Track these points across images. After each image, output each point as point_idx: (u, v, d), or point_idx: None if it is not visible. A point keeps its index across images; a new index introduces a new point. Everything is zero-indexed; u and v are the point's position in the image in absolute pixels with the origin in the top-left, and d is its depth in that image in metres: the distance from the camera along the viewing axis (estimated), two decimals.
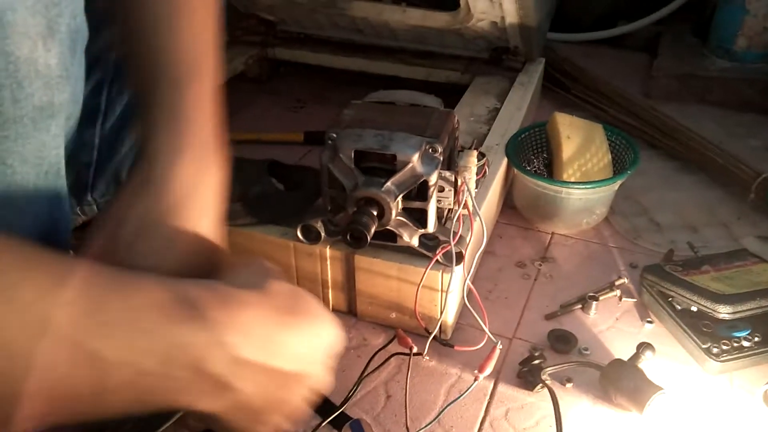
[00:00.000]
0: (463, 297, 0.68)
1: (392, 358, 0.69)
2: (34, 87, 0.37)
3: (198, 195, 0.47)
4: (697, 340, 0.69)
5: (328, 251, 0.72)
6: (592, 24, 1.59)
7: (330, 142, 0.65)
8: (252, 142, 1.13)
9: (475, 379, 0.63)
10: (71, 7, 0.38)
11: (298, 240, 0.71)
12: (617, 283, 0.80)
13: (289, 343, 0.40)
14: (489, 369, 0.64)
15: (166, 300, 0.36)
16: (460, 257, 0.66)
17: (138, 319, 0.34)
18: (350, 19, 1.19)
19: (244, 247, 0.75)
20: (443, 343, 0.69)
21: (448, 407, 0.62)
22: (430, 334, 0.68)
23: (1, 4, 0.34)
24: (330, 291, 0.75)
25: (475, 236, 0.69)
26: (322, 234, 0.70)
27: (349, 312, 0.76)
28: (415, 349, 0.68)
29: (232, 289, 0.39)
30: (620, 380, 0.63)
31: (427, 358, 0.69)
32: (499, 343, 0.65)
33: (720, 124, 1.21)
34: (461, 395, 0.63)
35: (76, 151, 0.50)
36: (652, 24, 1.53)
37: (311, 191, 0.75)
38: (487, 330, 0.65)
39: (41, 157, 0.40)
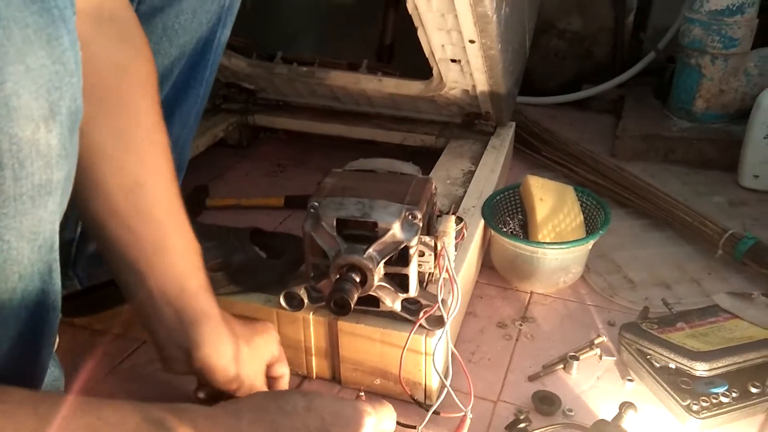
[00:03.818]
0: (447, 361, 0.69)
1: None
2: (35, 166, 0.38)
3: None
4: (677, 398, 0.70)
5: (311, 317, 0.72)
6: (558, 88, 1.67)
7: (312, 210, 0.66)
8: (232, 208, 1.14)
9: None
10: (72, 90, 0.40)
11: (281, 307, 0.71)
12: (596, 341, 0.81)
13: None
14: None
15: (137, 422, 0.41)
16: (441, 321, 0.67)
17: None
18: (328, 87, 1.23)
19: None
20: (428, 410, 0.69)
21: None
22: (414, 400, 0.67)
23: (8, 90, 0.35)
24: (313, 358, 0.75)
25: (455, 299, 0.70)
26: (305, 301, 0.71)
27: (333, 379, 0.76)
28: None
29: (199, 408, 0.45)
30: None
31: None
32: (469, 411, 0.64)
33: (684, 182, 1.27)
34: None
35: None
36: (616, 87, 1.61)
37: (293, 258, 0.76)
38: (456, 398, 0.64)
39: (37, 233, 0.41)
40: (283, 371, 0.67)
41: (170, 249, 0.54)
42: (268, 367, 0.65)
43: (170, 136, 0.55)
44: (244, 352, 0.60)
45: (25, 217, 0.39)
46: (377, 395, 0.72)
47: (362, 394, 0.67)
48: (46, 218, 0.41)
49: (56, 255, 0.45)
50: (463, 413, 0.63)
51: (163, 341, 0.57)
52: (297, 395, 0.52)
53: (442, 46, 1.00)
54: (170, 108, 0.62)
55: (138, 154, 0.52)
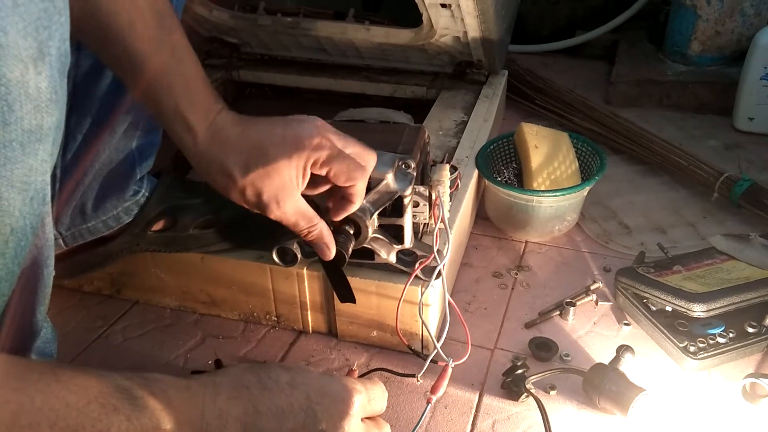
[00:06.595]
0: (443, 311, 0.68)
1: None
2: (25, 110, 0.37)
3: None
4: (674, 340, 0.70)
5: (305, 272, 0.71)
6: (550, 35, 1.63)
7: None
8: None
9: (428, 402, 0.60)
10: (60, 31, 0.38)
11: (274, 263, 0.70)
12: (592, 287, 0.81)
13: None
14: (442, 390, 0.61)
15: (102, 389, 0.39)
16: (438, 271, 0.66)
17: (80, 415, 0.37)
18: (314, 38, 1.19)
19: (219, 274, 0.74)
20: (425, 358, 0.69)
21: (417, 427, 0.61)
22: (412, 350, 0.67)
23: None
24: (309, 313, 0.74)
25: (451, 249, 0.69)
26: (299, 256, 0.69)
27: (329, 333, 0.75)
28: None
29: (172, 379, 0.43)
30: (603, 384, 0.64)
31: (420, 381, 0.66)
32: (451, 361, 0.62)
33: (679, 126, 1.25)
34: (420, 420, 0.60)
35: None
36: (609, 32, 1.57)
37: None
38: (451, 347, 0.64)
39: (27, 183, 0.39)
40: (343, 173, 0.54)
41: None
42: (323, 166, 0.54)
43: None
44: (238, 138, 0.53)
45: (15, 165, 0.38)
46: (375, 347, 0.72)
47: (355, 368, 0.65)
48: (37, 167, 0.40)
49: (48, 209, 0.44)
50: (464, 359, 0.63)
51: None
52: (279, 369, 0.49)
53: None
54: None
55: None
